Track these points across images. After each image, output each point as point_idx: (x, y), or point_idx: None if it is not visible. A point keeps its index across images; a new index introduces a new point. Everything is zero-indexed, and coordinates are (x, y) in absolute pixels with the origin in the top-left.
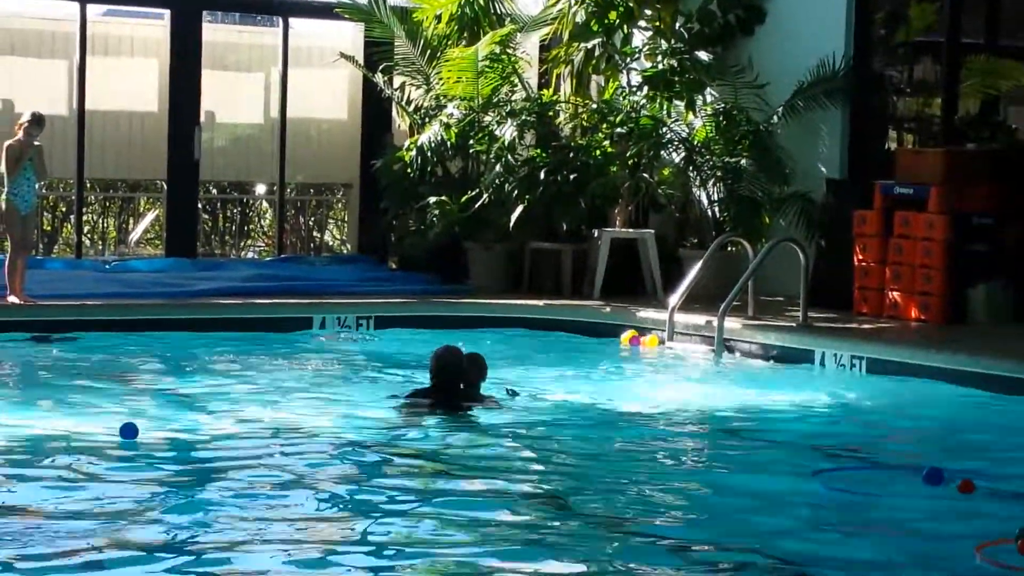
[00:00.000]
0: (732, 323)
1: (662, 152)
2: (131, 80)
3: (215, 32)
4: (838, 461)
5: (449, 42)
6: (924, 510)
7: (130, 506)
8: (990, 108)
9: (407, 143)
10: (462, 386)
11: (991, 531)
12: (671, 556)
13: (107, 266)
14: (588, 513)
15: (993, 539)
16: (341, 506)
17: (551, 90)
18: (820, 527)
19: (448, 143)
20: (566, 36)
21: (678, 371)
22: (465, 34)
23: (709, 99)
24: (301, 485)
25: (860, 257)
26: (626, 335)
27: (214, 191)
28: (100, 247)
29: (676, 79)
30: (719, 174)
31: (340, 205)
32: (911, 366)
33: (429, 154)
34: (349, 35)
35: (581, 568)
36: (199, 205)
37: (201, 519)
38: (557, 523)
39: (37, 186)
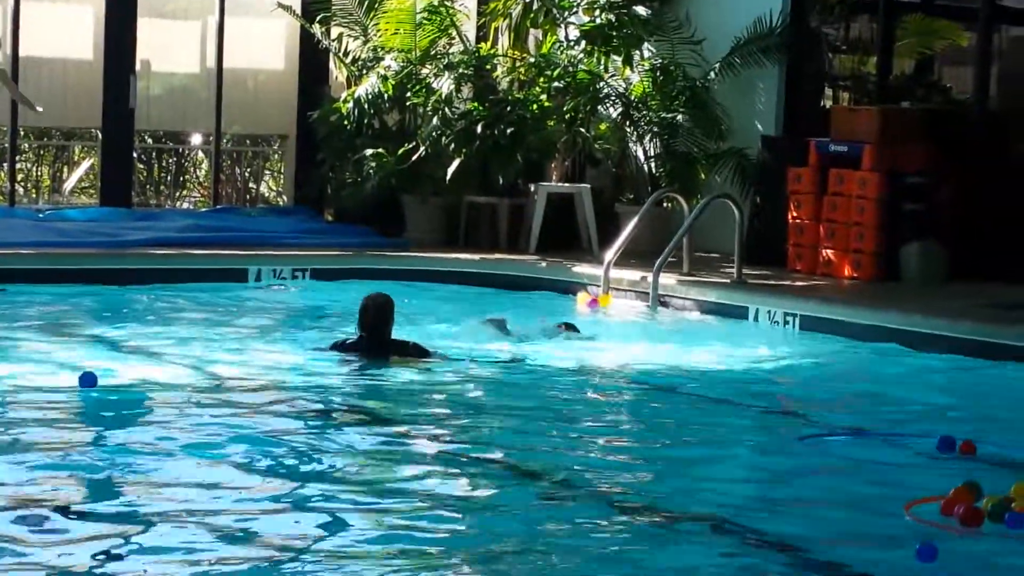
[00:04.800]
0: (667, 279)
1: (599, 107)
2: (66, 27)
3: None
4: (776, 416)
5: None
6: (861, 469)
7: (55, 459)
8: (925, 67)
9: (344, 95)
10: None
11: (925, 488)
12: (616, 512)
13: (41, 215)
14: (529, 471)
15: (924, 496)
16: (269, 461)
17: (489, 43)
18: (754, 482)
19: (385, 95)
20: None
21: (612, 326)
22: None
23: (646, 54)
24: (231, 440)
25: (795, 214)
26: (583, 296)
27: (149, 140)
28: (34, 196)
29: (614, 34)
30: (655, 130)
31: (276, 156)
32: (843, 323)
33: (366, 106)
34: None
35: (524, 528)
36: (134, 154)
37: (126, 471)
38: (499, 483)
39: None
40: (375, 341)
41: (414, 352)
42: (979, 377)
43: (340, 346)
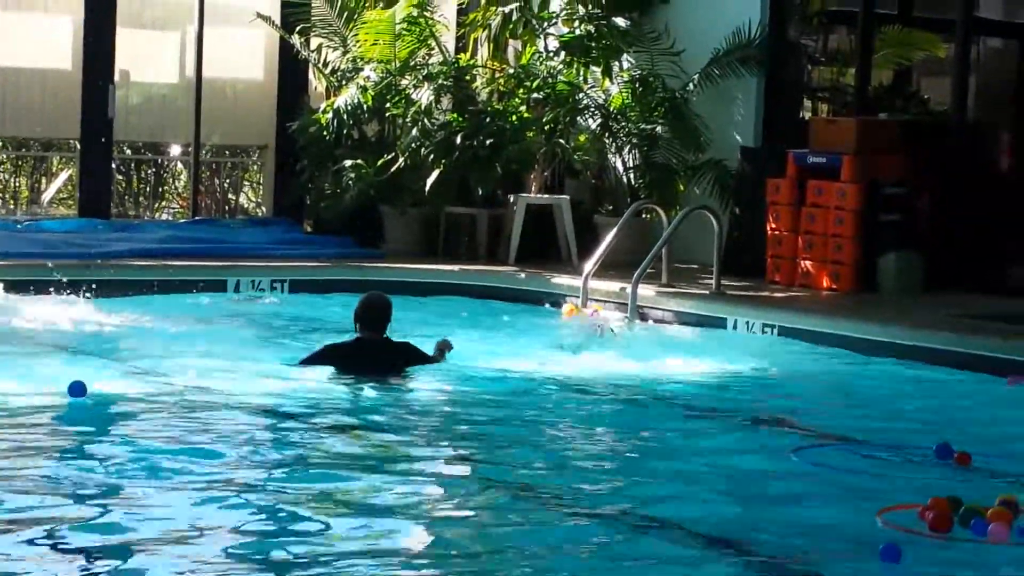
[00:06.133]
0: (646, 290)
1: (578, 118)
2: (44, 37)
3: None
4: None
5: (366, 4)
6: (834, 477)
7: (29, 468)
8: (903, 79)
9: (323, 105)
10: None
11: (898, 497)
12: (597, 522)
13: (19, 226)
14: (512, 483)
15: (897, 504)
16: (251, 474)
17: (468, 54)
18: (730, 493)
19: (365, 106)
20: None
21: (591, 338)
22: None
23: (626, 65)
24: (211, 454)
25: (773, 225)
26: (567, 308)
27: (128, 151)
28: (12, 206)
29: (593, 45)
30: (635, 141)
31: (256, 167)
32: (821, 334)
33: (345, 117)
34: None
35: (510, 541)
36: (113, 165)
37: (104, 487)
38: (481, 495)
39: None
40: (372, 340)
41: (409, 354)
42: (958, 388)
43: (332, 349)
